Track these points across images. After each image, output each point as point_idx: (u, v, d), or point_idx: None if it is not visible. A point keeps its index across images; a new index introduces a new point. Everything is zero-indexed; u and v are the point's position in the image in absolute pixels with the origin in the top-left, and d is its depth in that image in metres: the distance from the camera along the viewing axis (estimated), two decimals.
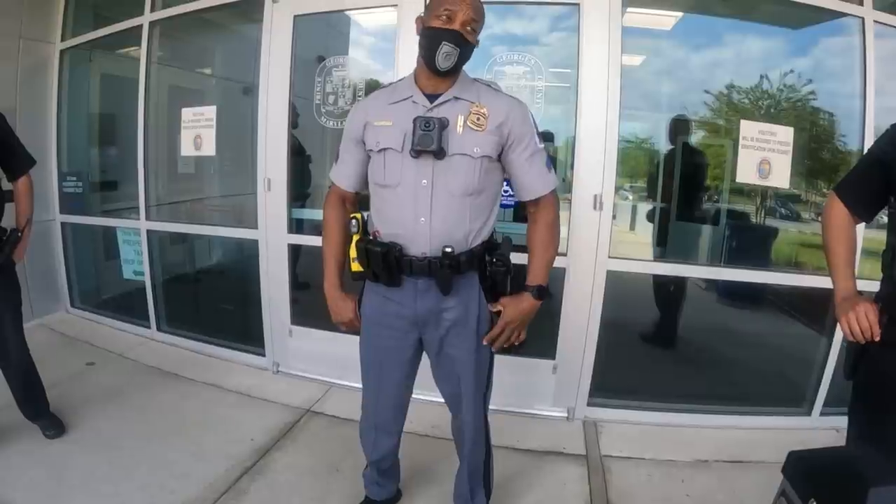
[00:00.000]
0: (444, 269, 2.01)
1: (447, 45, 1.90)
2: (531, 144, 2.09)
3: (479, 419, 2.31)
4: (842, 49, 3.53)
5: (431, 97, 2.02)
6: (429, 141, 1.94)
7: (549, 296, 2.16)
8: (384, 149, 2.02)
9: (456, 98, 2.02)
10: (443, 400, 2.38)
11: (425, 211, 2.00)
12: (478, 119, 2.00)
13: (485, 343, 2.17)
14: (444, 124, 1.96)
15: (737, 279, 3.68)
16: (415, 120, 1.96)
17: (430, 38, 1.93)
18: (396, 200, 2.03)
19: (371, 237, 2.09)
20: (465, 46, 1.94)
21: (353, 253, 2.12)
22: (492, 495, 2.52)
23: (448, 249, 1.99)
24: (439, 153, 1.96)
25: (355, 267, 2.13)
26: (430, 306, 2.12)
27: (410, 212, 2.01)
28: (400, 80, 2.16)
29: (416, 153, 1.96)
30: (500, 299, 2.13)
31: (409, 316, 2.15)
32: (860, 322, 1.78)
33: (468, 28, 1.92)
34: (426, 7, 2.00)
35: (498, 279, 2.11)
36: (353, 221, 2.13)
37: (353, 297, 2.26)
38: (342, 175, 2.24)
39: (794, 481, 1.26)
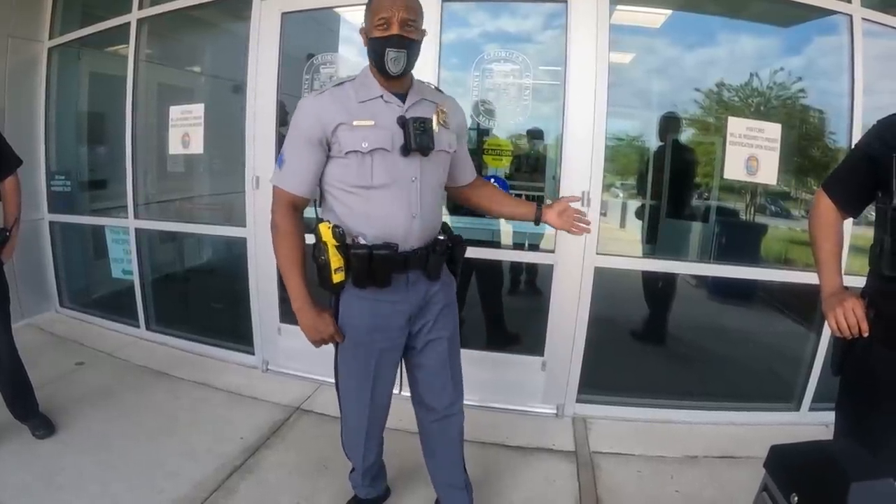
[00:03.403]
0: (436, 256, 2.14)
1: (392, 51, 1.93)
2: (466, 137, 2.39)
3: (462, 398, 2.41)
4: (830, 47, 3.54)
5: (398, 96, 2.05)
6: (427, 141, 2.00)
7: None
8: (374, 149, 1.97)
9: (422, 99, 2.10)
10: None
11: (416, 207, 2.05)
12: (444, 118, 2.13)
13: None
14: (430, 124, 2.04)
15: (723, 275, 3.71)
16: (406, 120, 1.99)
17: (376, 48, 1.96)
18: (386, 200, 2.02)
19: (354, 242, 2.03)
20: (410, 45, 1.97)
21: (336, 263, 2.01)
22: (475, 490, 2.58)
23: (442, 237, 2.16)
24: (427, 151, 2.02)
25: (339, 278, 2.03)
26: (421, 296, 2.16)
27: (405, 209, 2.03)
28: (352, 79, 2.09)
29: (407, 152, 1.99)
30: (550, 213, 2.35)
31: (405, 311, 2.15)
32: (847, 318, 1.78)
33: (407, 27, 1.94)
34: (365, 18, 2.01)
35: (457, 255, 2.29)
36: (339, 230, 2.01)
37: (328, 309, 2.15)
38: (297, 180, 2.06)
39: (775, 475, 1.26)
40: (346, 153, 1.98)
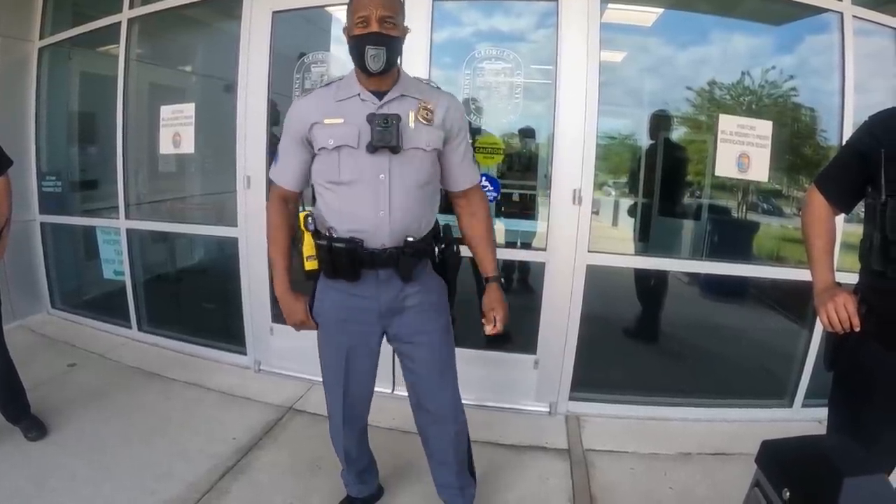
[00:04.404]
0: (407, 258, 2.11)
1: (371, 49, 1.95)
2: (465, 138, 2.28)
3: (459, 398, 2.39)
4: (821, 45, 3.55)
5: (378, 94, 2.07)
6: (389, 137, 2.00)
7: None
8: (340, 146, 2.03)
9: (402, 95, 2.10)
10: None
11: (384, 204, 2.06)
12: (427, 114, 2.10)
13: (492, 331, 2.29)
14: (398, 120, 2.02)
15: (715, 272, 3.71)
16: (371, 117, 2.01)
17: (355, 46, 2.00)
18: (354, 196, 2.06)
19: (326, 234, 2.10)
20: (389, 42, 1.99)
21: (307, 251, 2.15)
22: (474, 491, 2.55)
23: (410, 238, 2.10)
24: (396, 148, 2.02)
25: (310, 265, 2.16)
26: (393, 295, 2.17)
27: (371, 206, 2.05)
28: (340, 79, 2.17)
29: (374, 149, 2.01)
30: (483, 301, 2.30)
31: (375, 309, 2.18)
32: (839, 313, 1.78)
33: (386, 24, 1.97)
34: (346, 18, 2.05)
35: (450, 263, 2.27)
36: (310, 219, 2.14)
37: (304, 297, 2.27)
38: (286, 175, 2.22)
39: (767, 471, 1.26)
40: (319, 150, 2.08)
